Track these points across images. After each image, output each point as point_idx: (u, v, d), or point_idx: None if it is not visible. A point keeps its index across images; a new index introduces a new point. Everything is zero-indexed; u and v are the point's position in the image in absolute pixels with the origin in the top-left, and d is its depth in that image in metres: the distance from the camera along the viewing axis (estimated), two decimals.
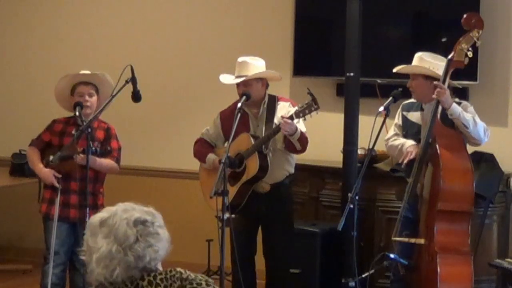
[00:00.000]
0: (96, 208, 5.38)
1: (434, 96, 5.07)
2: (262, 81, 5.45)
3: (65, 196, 5.27)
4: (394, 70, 5.39)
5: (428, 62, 5.23)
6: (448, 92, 5.08)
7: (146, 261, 2.69)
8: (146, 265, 2.70)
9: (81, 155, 5.13)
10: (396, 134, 5.46)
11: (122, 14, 7.45)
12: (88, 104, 5.29)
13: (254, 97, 5.40)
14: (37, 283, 5.48)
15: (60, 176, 5.27)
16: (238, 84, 5.41)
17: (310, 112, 5.20)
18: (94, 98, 5.35)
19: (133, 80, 5.12)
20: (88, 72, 5.40)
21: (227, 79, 5.50)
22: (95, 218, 2.74)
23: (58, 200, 5.25)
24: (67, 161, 5.19)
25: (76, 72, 5.43)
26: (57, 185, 5.27)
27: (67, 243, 5.29)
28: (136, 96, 5.19)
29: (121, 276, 2.68)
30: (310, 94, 5.21)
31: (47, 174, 5.30)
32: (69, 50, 7.45)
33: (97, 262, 2.68)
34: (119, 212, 2.72)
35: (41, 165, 5.34)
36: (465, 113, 5.11)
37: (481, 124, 5.15)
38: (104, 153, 5.33)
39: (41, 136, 5.44)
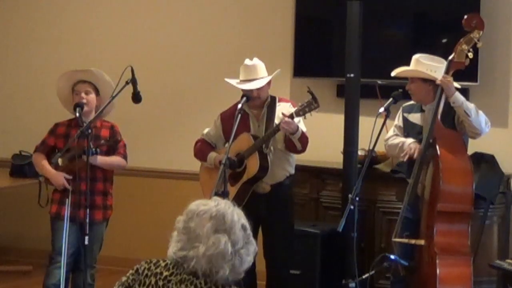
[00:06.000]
0: (105, 208, 5.37)
1: (438, 82, 5.08)
2: (268, 81, 5.48)
3: (75, 196, 5.22)
4: (392, 73, 5.39)
5: (425, 64, 5.23)
6: (452, 80, 5.10)
7: (243, 268, 2.71)
8: (239, 273, 2.71)
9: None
10: (395, 135, 5.47)
11: (123, 16, 7.45)
12: (84, 101, 5.28)
13: (263, 98, 5.45)
14: (37, 284, 5.47)
15: (70, 177, 5.26)
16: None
17: (310, 110, 5.20)
18: (91, 96, 5.32)
19: (133, 81, 5.11)
20: (83, 69, 5.41)
21: (241, 84, 5.46)
22: (202, 206, 2.73)
23: (69, 201, 5.23)
24: (75, 160, 5.16)
25: (71, 70, 5.45)
26: (68, 187, 5.24)
27: (74, 244, 5.26)
28: (136, 97, 5.18)
29: (230, 276, 2.68)
30: (310, 92, 5.22)
31: (58, 177, 5.26)
32: (69, 51, 7.45)
33: (204, 255, 2.66)
34: (230, 211, 2.73)
35: (50, 169, 5.29)
36: (467, 102, 5.13)
37: (482, 115, 5.16)
38: (112, 151, 5.34)
39: (45, 141, 5.40)
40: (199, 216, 2.72)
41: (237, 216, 2.74)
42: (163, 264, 2.75)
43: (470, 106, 5.12)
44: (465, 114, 5.09)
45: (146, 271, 2.75)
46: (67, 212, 5.21)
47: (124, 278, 2.80)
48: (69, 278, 5.39)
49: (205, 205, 2.76)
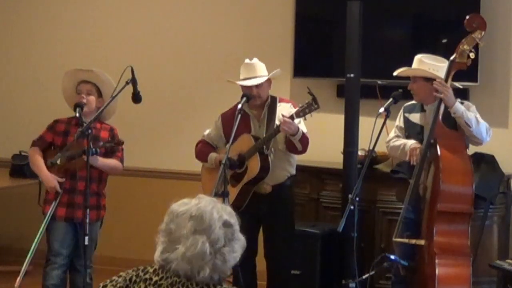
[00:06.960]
0: (99, 209, 5.36)
1: (436, 94, 5.08)
2: (269, 81, 5.47)
3: (71, 196, 5.23)
4: (395, 73, 5.39)
5: (427, 64, 5.23)
6: (450, 90, 5.09)
7: (227, 267, 2.64)
8: (224, 272, 2.64)
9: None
10: (397, 136, 5.46)
11: (123, 16, 7.45)
12: (84, 101, 5.26)
13: (263, 98, 5.45)
14: (37, 284, 5.46)
15: (62, 180, 5.25)
16: (248, 86, 5.41)
17: (310, 111, 5.20)
18: (92, 97, 5.32)
19: (133, 81, 5.11)
20: (86, 69, 5.41)
21: (242, 81, 5.46)
22: (182, 207, 2.68)
23: (56, 203, 5.22)
24: (75, 160, 5.15)
25: (74, 69, 5.45)
26: (59, 190, 5.23)
27: (71, 244, 5.27)
28: (136, 97, 5.18)
29: (215, 276, 2.63)
30: (310, 93, 5.22)
31: (50, 179, 5.24)
32: (69, 51, 7.45)
33: (184, 257, 2.60)
34: (209, 209, 2.66)
35: (44, 169, 5.27)
36: (468, 112, 5.12)
37: (483, 124, 5.15)
38: (110, 153, 5.33)
39: (43, 137, 5.38)
40: (179, 217, 2.67)
41: (217, 213, 2.66)
42: (151, 270, 2.69)
43: (471, 116, 5.10)
44: (465, 124, 5.09)
45: (134, 278, 2.69)
46: (51, 210, 5.20)
47: (109, 283, 2.72)
48: (66, 278, 5.39)
49: (186, 205, 2.70)
